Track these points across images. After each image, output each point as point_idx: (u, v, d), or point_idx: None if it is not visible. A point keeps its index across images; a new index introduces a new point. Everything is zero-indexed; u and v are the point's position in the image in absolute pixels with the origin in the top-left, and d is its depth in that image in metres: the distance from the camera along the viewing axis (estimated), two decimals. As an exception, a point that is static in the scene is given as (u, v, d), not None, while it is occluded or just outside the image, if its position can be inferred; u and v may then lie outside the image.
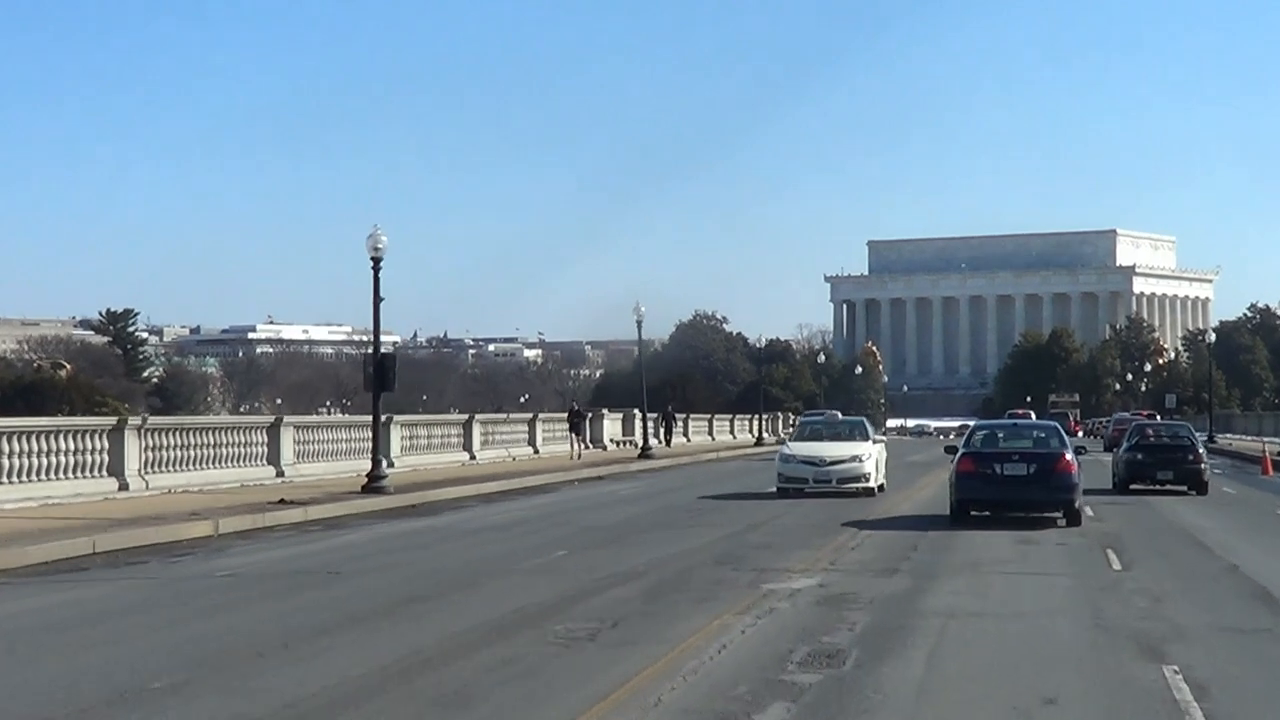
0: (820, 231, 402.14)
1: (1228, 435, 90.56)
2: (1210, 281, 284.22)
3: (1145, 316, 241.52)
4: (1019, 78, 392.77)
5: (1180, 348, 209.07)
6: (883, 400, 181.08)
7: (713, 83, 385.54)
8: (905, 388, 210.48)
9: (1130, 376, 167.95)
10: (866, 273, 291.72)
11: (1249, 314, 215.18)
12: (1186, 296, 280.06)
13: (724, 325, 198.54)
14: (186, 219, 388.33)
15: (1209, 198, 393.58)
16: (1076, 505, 29.93)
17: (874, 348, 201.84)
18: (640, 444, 67.12)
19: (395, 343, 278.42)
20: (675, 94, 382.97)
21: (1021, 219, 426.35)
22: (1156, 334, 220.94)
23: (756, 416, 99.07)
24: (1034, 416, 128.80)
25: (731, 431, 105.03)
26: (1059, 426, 33.96)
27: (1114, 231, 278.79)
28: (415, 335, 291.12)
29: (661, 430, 75.30)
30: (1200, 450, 40.70)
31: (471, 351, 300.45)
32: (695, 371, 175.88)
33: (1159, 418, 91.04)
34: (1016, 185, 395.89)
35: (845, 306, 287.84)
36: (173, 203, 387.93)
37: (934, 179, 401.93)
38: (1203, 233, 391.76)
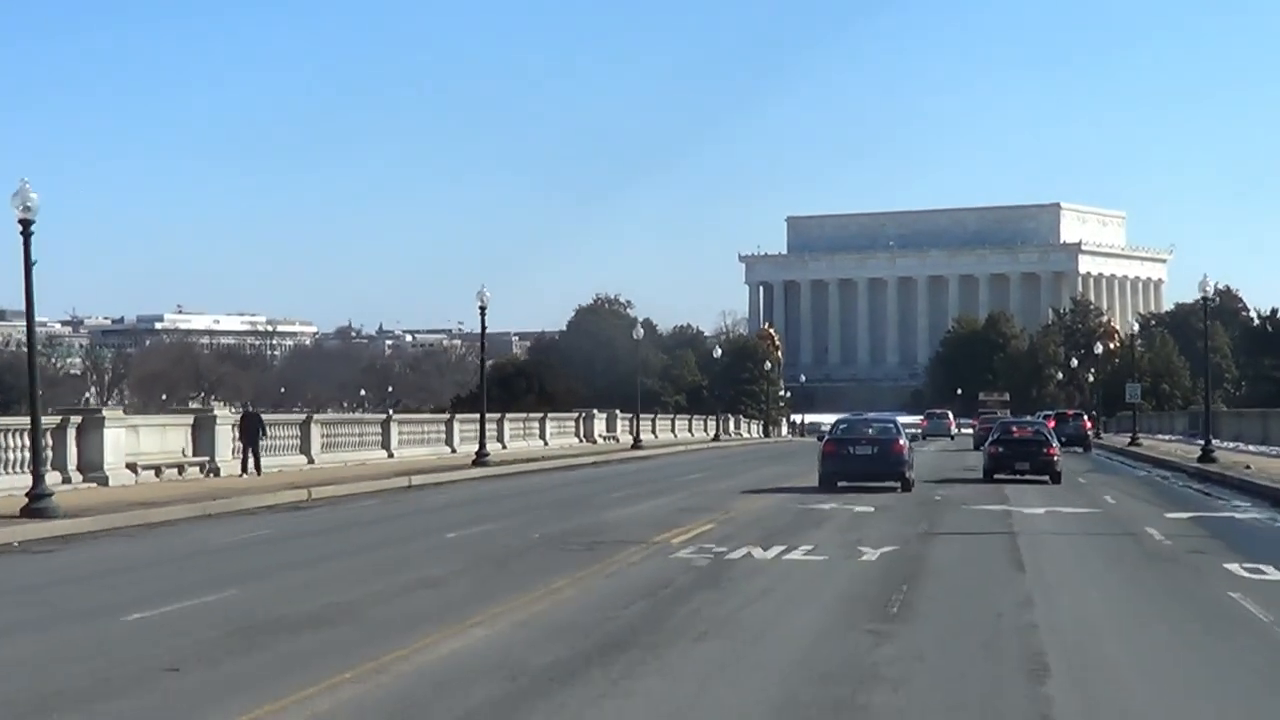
0: (737, 207, 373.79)
1: (1221, 443, 60.80)
2: (1164, 261, 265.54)
3: (1092, 299, 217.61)
4: (953, 43, 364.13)
5: (1135, 332, 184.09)
6: (781, 393, 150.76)
7: (639, 73, 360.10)
8: (803, 378, 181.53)
9: (1076, 363, 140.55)
10: (785, 251, 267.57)
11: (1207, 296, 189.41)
12: (1137, 277, 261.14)
13: (627, 310, 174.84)
14: (126, 205, 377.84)
15: (1161, 169, 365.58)
16: (908, 476, 38.73)
17: (771, 330, 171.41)
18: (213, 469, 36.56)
19: (315, 333, 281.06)
20: (610, 91, 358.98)
21: (956, 192, 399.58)
22: (1106, 316, 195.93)
23: (483, 417, 59.93)
24: (951, 417, 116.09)
25: (543, 436, 75.00)
26: (895, 421, 42.97)
27: (1058, 205, 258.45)
28: (350, 325, 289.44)
29: (239, 448, 43.43)
30: (1054, 444, 44.71)
31: (390, 343, 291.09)
32: (595, 361, 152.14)
33: (1087, 416, 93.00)
34: (951, 155, 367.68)
35: (761, 289, 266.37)
36: (114, 189, 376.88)
37: (860, 149, 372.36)
38: (1154, 208, 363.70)
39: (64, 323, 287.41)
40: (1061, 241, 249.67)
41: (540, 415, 75.15)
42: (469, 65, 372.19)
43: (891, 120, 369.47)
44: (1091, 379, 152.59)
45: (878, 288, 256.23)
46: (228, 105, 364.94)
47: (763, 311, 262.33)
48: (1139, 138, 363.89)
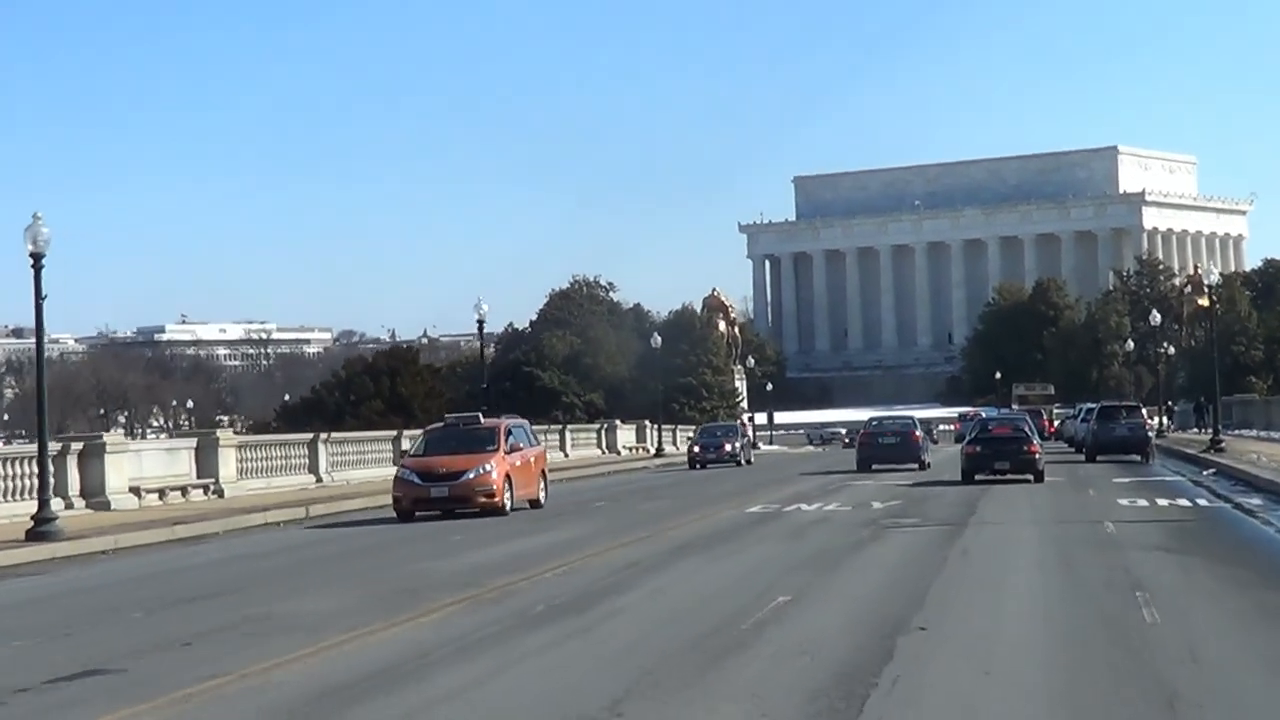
0: (736, 169, 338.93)
1: None
2: (1244, 214, 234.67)
3: (1161, 258, 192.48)
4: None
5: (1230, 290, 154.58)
6: (736, 387, 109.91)
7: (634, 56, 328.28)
8: (752, 363, 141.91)
9: (1160, 318, 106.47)
10: (794, 218, 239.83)
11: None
12: (1213, 233, 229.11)
13: (609, 294, 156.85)
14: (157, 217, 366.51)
15: (1236, 106, 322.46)
16: (924, 459, 52.86)
17: (722, 296, 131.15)
18: None
19: (333, 341, 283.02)
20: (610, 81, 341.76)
21: (993, 139, 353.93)
22: (1180, 278, 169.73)
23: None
24: (983, 414, 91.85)
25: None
26: (914, 418, 58.55)
27: (1115, 150, 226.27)
28: (393, 332, 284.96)
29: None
30: (1035, 442, 43.87)
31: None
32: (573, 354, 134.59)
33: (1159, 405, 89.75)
34: (985, 95, 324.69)
35: (767, 263, 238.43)
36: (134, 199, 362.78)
37: (876, 94, 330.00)
38: (1230, 151, 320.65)
39: (79, 339, 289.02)
40: (1121, 192, 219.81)
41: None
42: (454, 63, 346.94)
43: (912, 60, 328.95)
44: (1171, 350, 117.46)
45: (903, 256, 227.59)
46: (248, 115, 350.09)
47: (769, 289, 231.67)
48: (1208, 72, 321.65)
